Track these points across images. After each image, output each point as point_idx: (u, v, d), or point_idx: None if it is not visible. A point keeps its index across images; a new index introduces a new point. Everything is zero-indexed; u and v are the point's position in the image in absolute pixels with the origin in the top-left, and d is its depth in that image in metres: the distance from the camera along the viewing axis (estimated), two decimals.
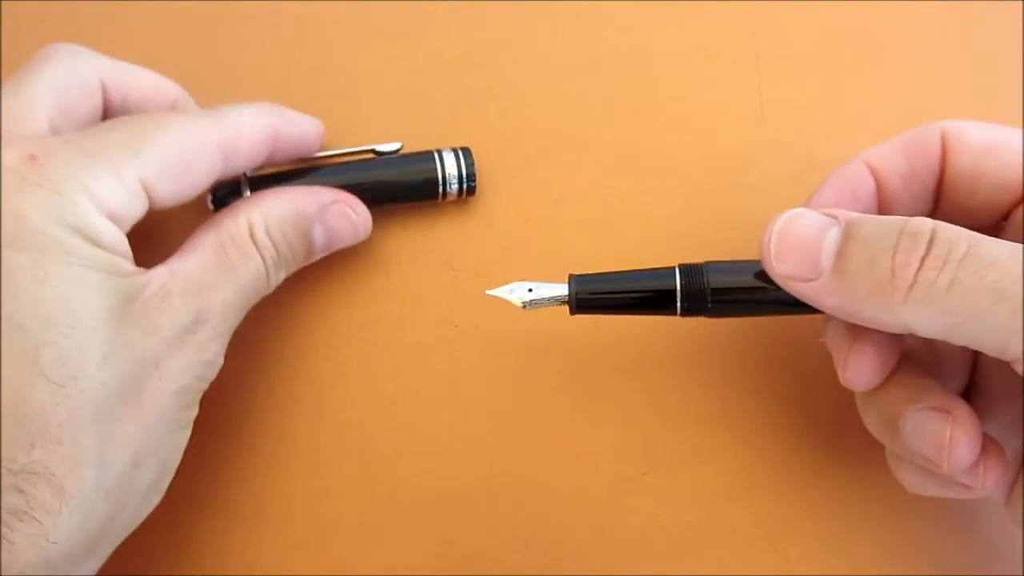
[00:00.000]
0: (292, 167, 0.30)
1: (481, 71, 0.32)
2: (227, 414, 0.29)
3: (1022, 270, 0.18)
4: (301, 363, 0.30)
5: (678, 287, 0.23)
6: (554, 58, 0.32)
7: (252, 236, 0.26)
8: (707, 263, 0.24)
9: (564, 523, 0.29)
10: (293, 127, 0.28)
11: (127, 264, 0.23)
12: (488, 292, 0.25)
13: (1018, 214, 0.24)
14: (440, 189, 0.29)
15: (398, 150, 0.30)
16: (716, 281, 0.23)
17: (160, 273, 0.24)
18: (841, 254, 0.21)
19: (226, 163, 0.26)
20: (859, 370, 0.23)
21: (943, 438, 0.22)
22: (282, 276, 0.27)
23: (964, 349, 0.20)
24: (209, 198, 0.29)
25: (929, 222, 0.20)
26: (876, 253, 0.20)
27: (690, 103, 0.31)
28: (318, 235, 0.27)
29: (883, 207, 0.25)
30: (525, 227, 0.31)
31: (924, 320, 0.20)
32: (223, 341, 0.25)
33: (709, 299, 0.23)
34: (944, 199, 0.25)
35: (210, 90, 0.32)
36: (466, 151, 0.30)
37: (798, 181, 0.27)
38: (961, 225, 0.22)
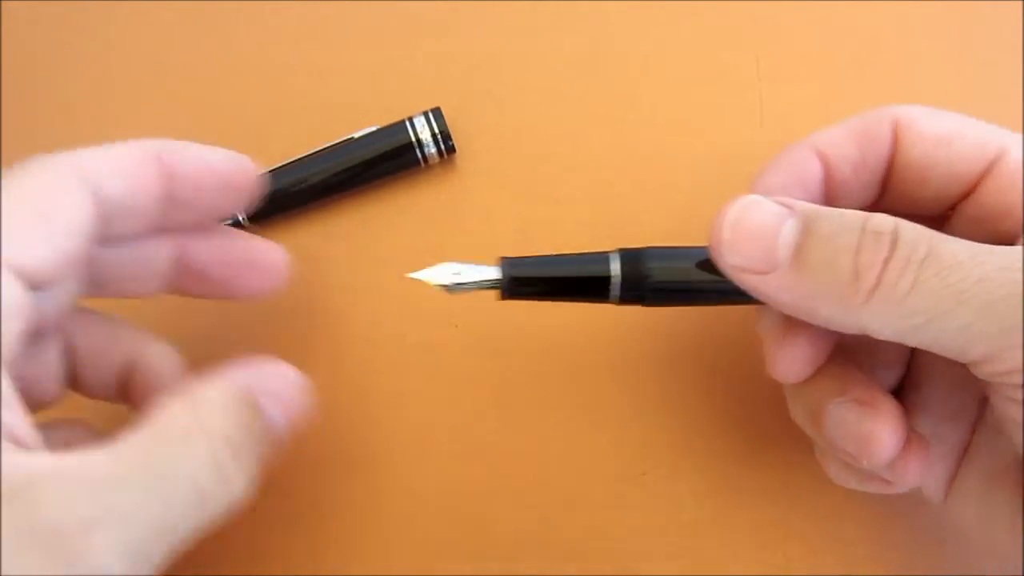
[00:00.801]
0: (279, 165, 0.30)
1: (481, 71, 0.32)
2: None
3: (983, 272, 0.18)
4: (300, 364, 0.30)
5: (615, 273, 0.22)
6: (554, 58, 0.32)
7: (193, 425, 0.19)
8: (648, 248, 0.22)
9: (564, 523, 0.29)
10: (192, 150, 0.23)
11: None
12: (410, 275, 0.23)
13: (967, 207, 0.23)
14: (419, 153, 0.30)
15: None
16: (656, 267, 0.22)
17: (36, 461, 0.18)
18: (800, 248, 0.20)
19: (96, 198, 0.21)
20: (790, 364, 0.23)
21: (863, 432, 0.22)
22: (246, 475, 0.20)
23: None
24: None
25: (890, 220, 0.20)
26: (838, 251, 0.19)
27: (690, 103, 0.31)
28: (272, 411, 0.22)
29: (830, 194, 0.24)
30: (525, 227, 0.31)
31: (883, 322, 0.19)
32: (129, 560, 0.17)
33: (648, 287, 0.22)
34: (892, 188, 0.24)
35: (210, 90, 0.32)
36: (436, 111, 0.30)
37: None
38: (906, 214, 0.22)
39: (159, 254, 0.25)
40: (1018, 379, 0.19)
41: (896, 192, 0.24)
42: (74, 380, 0.25)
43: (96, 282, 0.24)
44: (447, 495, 0.29)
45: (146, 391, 0.25)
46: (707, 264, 0.22)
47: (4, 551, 0.16)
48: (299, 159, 0.30)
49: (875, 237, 0.19)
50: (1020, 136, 0.23)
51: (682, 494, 0.29)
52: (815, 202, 0.23)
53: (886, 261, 0.19)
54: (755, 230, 0.21)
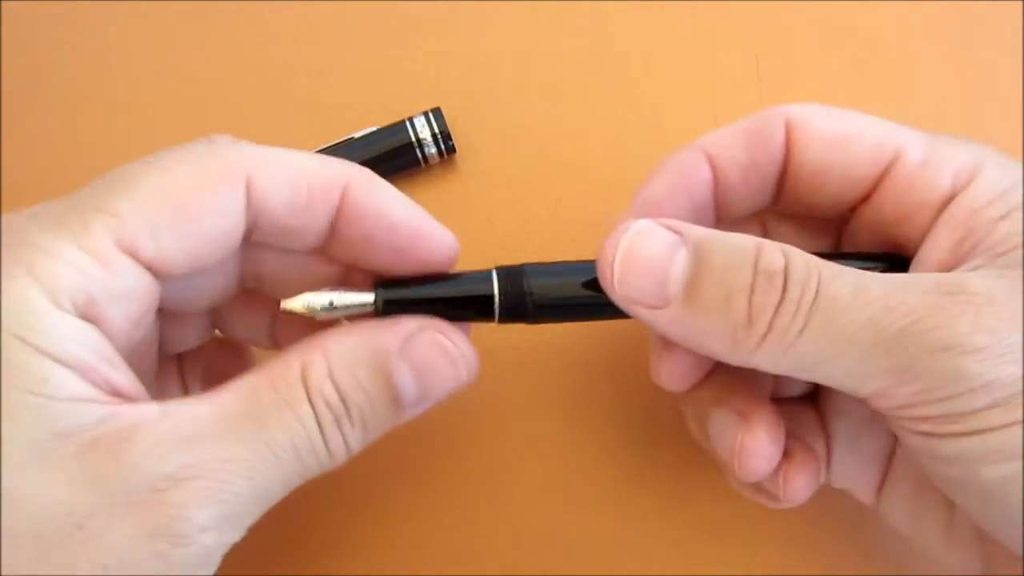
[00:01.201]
0: None
1: (481, 71, 0.32)
2: None
3: (870, 312, 0.18)
4: None
5: (496, 292, 0.21)
6: (554, 58, 0.32)
7: (304, 380, 0.18)
8: (526, 265, 0.22)
9: (564, 523, 0.29)
10: (377, 195, 0.20)
11: (78, 384, 0.17)
12: (283, 306, 0.20)
13: (865, 211, 0.22)
14: (419, 153, 0.30)
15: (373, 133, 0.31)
16: (537, 284, 0.21)
17: (139, 411, 0.17)
18: (693, 285, 0.19)
19: (252, 200, 0.19)
20: (670, 374, 0.22)
21: (736, 444, 0.22)
22: (356, 440, 0.20)
23: None
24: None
25: (780, 256, 0.19)
26: (732, 292, 0.19)
27: (690, 103, 0.31)
28: (404, 378, 0.20)
29: (720, 200, 0.23)
30: (525, 227, 0.31)
31: (773, 363, 0.19)
32: (222, 516, 0.17)
33: (530, 304, 0.21)
34: (787, 191, 0.23)
35: (210, 90, 0.32)
36: (436, 111, 0.30)
37: None
38: (803, 217, 0.22)
39: (325, 273, 0.22)
40: (910, 412, 0.19)
41: (791, 195, 0.23)
42: (223, 328, 0.24)
43: (257, 278, 0.23)
44: (447, 495, 0.29)
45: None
46: (593, 283, 0.21)
47: (88, 499, 0.16)
48: None
49: (768, 277, 0.19)
50: (918, 134, 0.22)
51: (682, 493, 0.29)
52: (704, 208, 0.23)
53: (777, 306, 0.19)
54: (646, 263, 0.20)
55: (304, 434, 0.18)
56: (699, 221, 0.22)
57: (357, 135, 0.30)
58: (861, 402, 0.22)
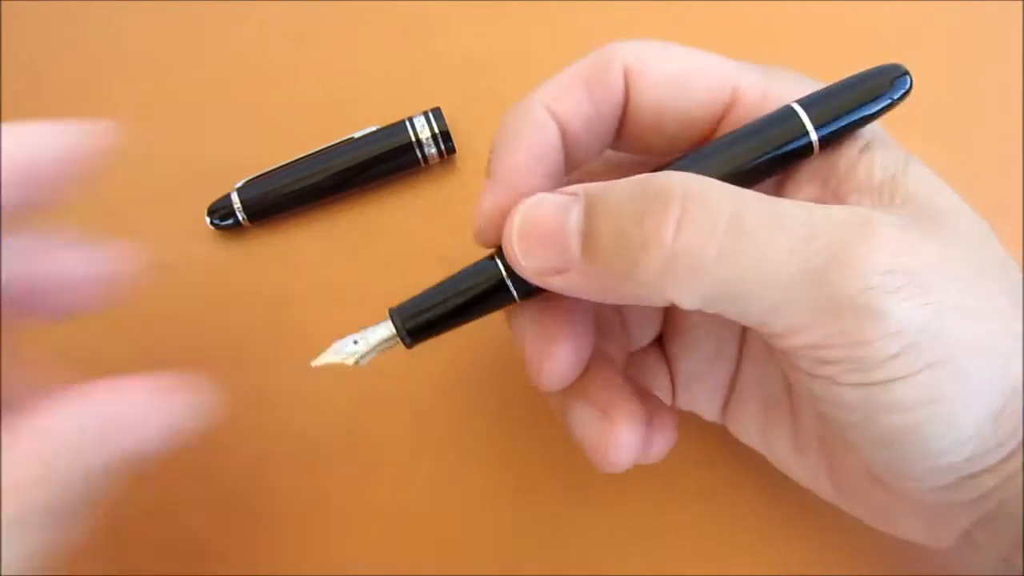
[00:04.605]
0: (279, 165, 0.30)
1: (481, 71, 0.32)
2: (226, 415, 0.29)
3: (790, 243, 0.17)
4: (299, 364, 0.30)
5: (503, 271, 0.20)
6: (554, 58, 0.32)
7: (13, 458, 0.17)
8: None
9: (564, 523, 0.29)
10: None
11: None
12: (313, 363, 0.21)
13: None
14: (419, 153, 0.30)
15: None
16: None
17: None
18: (589, 235, 0.18)
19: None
20: (553, 374, 0.21)
21: (600, 443, 0.21)
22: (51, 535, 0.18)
23: None
24: (207, 219, 0.29)
25: (667, 178, 0.18)
26: (623, 225, 0.18)
27: None
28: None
29: (566, 153, 0.22)
30: None
31: (693, 296, 0.17)
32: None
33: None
34: (625, 136, 0.22)
35: (211, 90, 0.32)
36: (436, 111, 0.30)
37: None
38: (644, 159, 0.22)
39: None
40: (817, 355, 0.18)
41: (630, 138, 0.22)
42: None
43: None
44: (447, 495, 0.29)
45: None
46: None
47: None
48: (299, 159, 0.30)
49: (657, 199, 0.17)
50: (754, 71, 0.21)
51: (683, 493, 0.29)
52: (557, 166, 0.22)
53: (679, 221, 0.17)
54: (542, 228, 0.19)
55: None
56: (554, 180, 0.21)
57: (357, 135, 0.30)
58: (706, 337, 0.24)
